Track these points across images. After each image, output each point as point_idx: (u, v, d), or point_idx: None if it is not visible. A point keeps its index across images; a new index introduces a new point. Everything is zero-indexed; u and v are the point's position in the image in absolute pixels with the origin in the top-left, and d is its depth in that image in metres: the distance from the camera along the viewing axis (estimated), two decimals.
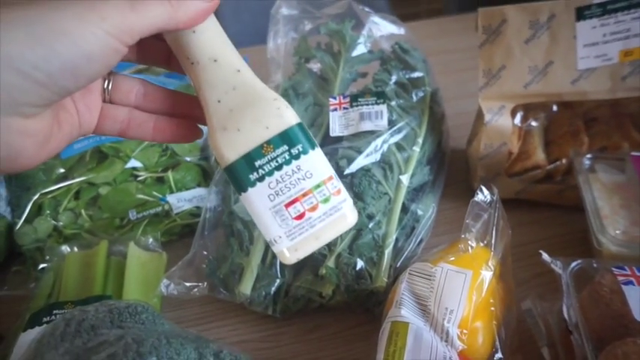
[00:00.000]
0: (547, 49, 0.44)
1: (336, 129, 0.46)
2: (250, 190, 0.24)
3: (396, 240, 0.40)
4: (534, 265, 0.39)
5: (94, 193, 0.46)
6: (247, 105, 0.24)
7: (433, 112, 0.48)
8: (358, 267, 0.37)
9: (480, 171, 0.47)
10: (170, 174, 0.47)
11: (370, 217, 0.39)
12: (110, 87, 0.26)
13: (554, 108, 0.48)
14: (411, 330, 0.29)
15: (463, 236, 0.34)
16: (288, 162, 0.24)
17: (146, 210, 0.46)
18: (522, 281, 0.40)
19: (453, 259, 0.32)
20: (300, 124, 0.24)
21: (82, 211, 0.46)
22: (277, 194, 0.24)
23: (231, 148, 0.24)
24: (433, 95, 0.49)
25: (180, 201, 0.47)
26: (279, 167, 0.24)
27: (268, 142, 0.24)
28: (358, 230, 0.39)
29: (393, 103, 0.46)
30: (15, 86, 0.20)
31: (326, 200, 0.25)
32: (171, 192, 0.47)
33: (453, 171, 0.51)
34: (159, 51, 0.26)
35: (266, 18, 0.54)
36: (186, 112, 0.27)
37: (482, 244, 0.34)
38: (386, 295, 0.35)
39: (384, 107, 0.46)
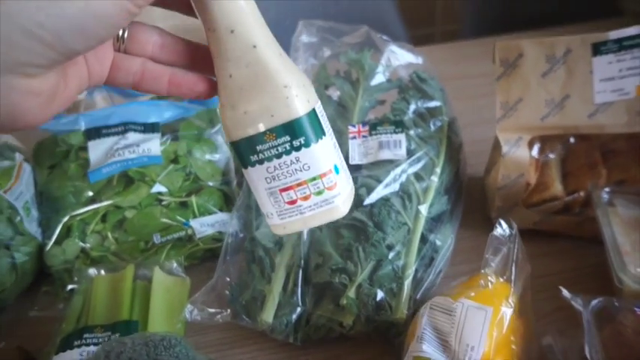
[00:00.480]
0: (564, 82, 0.45)
1: (355, 157, 0.47)
2: (250, 168, 0.25)
3: (416, 271, 0.40)
4: (553, 298, 0.39)
5: (120, 216, 0.48)
6: (257, 87, 0.23)
7: (451, 142, 0.49)
8: (378, 298, 0.38)
9: (497, 201, 0.47)
10: (193, 199, 0.49)
11: (390, 248, 0.40)
12: (126, 36, 0.24)
13: (572, 140, 0.49)
14: None
15: (483, 271, 0.34)
16: (288, 152, 0.24)
17: (170, 234, 0.48)
18: (542, 315, 0.40)
19: (473, 294, 0.33)
20: (309, 114, 0.24)
21: (109, 234, 0.47)
22: (274, 179, 0.25)
23: (236, 127, 0.24)
24: (451, 124, 0.50)
25: (203, 226, 0.48)
26: (278, 155, 0.24)
27: (271, 131, 0.24)
28: (378, 261, 0.40)
29: (412, 132, 0.47)
30: (18, 45, 0.18)
31: (319, 193, 0.25)
32: (194, 217, 0.48)
33: (469, 199, 0.52)
34: None
35: (286, 44, 0.56)
36: (205, 67, 0.25)
37: (502, 280, 0.34)
38: (406, 327, 0.36)
39: (402, 136, 0.47)
